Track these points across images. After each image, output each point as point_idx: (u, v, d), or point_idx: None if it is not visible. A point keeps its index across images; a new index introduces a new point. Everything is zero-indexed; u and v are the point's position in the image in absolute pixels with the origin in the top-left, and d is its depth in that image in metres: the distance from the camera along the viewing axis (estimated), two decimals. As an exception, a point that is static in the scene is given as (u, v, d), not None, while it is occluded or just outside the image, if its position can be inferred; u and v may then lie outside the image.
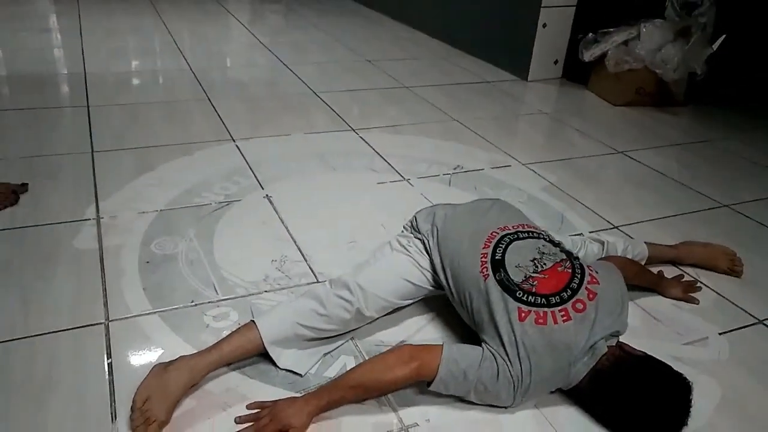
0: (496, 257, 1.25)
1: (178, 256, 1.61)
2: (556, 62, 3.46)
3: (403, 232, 1.48)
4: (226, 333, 1.26)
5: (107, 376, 1.21)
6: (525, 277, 1.21)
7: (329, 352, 1.31)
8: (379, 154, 2.35)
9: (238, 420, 1.12)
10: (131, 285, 1.49)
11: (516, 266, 1.23)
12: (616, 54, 3.01)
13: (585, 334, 1.15)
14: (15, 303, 1.40)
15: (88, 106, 2.63)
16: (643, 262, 1.61)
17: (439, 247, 1.34)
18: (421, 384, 1.17)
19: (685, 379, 1.12)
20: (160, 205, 1.86)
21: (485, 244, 1.28)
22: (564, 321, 1.14)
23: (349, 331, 1.34)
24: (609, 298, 1.20)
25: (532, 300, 1.17)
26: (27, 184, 1.89)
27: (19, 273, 1.51)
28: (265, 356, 1.25)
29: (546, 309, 1.16)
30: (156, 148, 2.26)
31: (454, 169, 2.26)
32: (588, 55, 3.12)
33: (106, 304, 1.41)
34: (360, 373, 1.14)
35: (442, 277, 1.32)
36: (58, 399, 1.15)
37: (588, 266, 1.26)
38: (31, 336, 1.30)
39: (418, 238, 1.40)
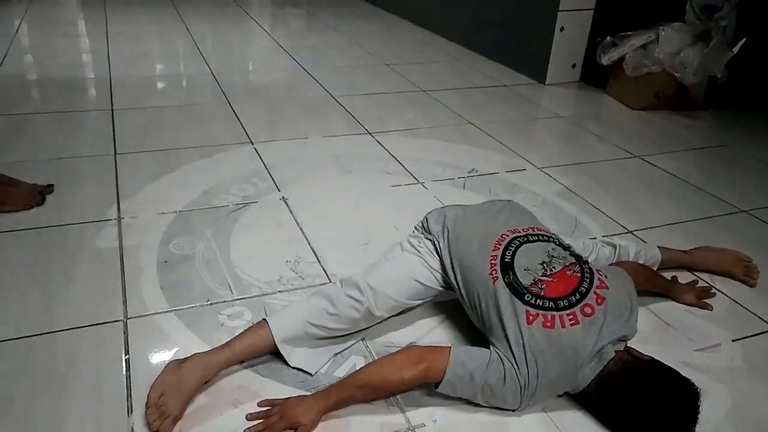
0: (506, 260, 1.25)
1: (195, 256, 1.65)
2: (574, 66, 3.45)
3: (414, 232, 1.49)
4: (239, 332, 1.29)
5: (124, 372, 1.25)
6: (534, 280, 1.21)
7: (340, 352, 1.33)
8: (394, 157, 2.37)
9: (249, 417, 1.15)
10: (149, 284, 1.53)
11: (525, 269, 1.23)
12: (635, 57, 2.99)
13: (593, 338, 1.15)
14: (39, 300, 1.45)
15: (112, 110, 2.70)
16: (655, 267, 1.60)
17: (450, 248, 1.35)
18: (429, 385, 1.19)
19: (693, 384, 1.11)
20: (179, 206, 1.90)
21: (495, 246, 1.28)
22: (572, 325, 1.15)
23: (360, 331, 1.36)
24: (618, 303, 1.20)
25: (540, 303, 1.18)
26: (53, 185, 1.95)
27: (43, 270, 1.56)
28: (276, 354, 1.27)
29: (554, 312, 1.16)
30: (176, 151, 2.31)
31: (469, 172, 2.27)
32: (606, 59, 3.10)
33: (125, 302, 1.46)
34: (368, 373, 1.16)
35: (451, 278, 1.33)
36: (77, 392, 1.19)
37: (597, 270, 1.27)
38: (54, 332, 1.35)
39: (429, 239, 1.41)
